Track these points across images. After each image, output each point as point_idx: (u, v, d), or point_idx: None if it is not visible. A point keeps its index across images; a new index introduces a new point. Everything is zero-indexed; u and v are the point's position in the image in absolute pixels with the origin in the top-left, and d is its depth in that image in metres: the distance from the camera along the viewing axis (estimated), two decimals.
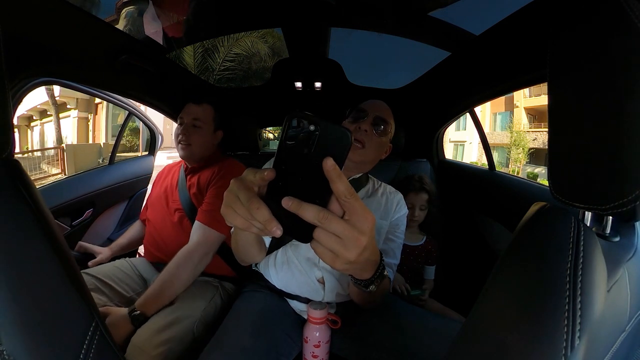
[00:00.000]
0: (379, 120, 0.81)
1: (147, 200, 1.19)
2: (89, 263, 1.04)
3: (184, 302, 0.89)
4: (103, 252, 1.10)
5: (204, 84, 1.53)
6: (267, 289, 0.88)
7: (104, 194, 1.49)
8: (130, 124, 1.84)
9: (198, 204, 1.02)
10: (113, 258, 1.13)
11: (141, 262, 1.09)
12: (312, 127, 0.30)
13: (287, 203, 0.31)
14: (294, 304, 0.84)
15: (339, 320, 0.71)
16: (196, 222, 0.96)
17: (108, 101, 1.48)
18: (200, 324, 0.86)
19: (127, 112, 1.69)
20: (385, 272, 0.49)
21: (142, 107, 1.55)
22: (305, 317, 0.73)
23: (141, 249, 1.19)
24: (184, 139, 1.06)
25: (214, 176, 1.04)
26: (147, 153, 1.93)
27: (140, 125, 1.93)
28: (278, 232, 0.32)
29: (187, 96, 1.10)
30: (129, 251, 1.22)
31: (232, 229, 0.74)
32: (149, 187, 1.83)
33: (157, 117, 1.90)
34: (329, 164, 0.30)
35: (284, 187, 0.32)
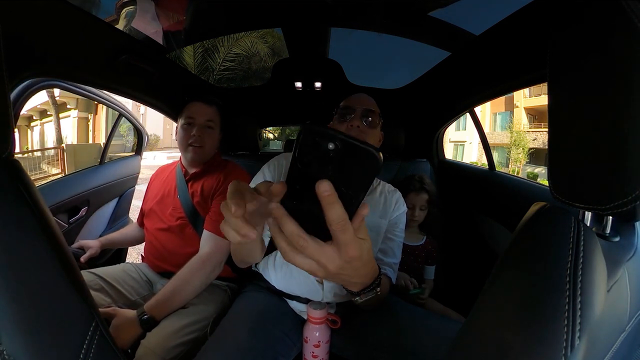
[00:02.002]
0: (366, 113, 0.81)
1: (143, 206, 1.16)
2: (81, 258, 1.02)
3: (197, 306, 0.89)
4: (93, 245, 1.08)
5: (204, 84, 1.53)
6: (267, 289, 0.88)
7: (97, 192, 1.51)
8: (129, 124, 1.86)
9: (202, 212, 1.00)
10: (103, 252, 1.11)
11: (147, 267, 1.08)
12: (330, 146, 0.26)
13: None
14: (294, 304, 0.84)
15: (339, 320, 0.71)
16: (206, 232, 0.95)
17: (99, 102, 1.49)
18: (212, 327, 0.86)
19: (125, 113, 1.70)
20: (378, 290, 0.49)
21: (142, 108, 1.55)
22: (305, 317, 0.73)
23: (141, 249, 1.18)
24: (198, 141, 1.01)
25: (219, 184, 1.01)
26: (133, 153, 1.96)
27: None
28: (251, 235, 0.30)
29: (196, 95, 1.07)
30: (118, 248, 1.20)
31: None
32: (136, 186, 1.86)
33: (157, 117, 1.91)
34: (321, 188, 0.27)
35: (298, 203, 0.29)
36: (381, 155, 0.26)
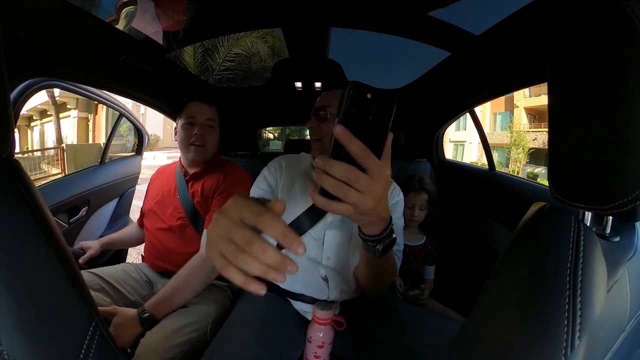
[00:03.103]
0: (316, 112, 0.82)
1: (143, 207, 1.16)
2: (80, 260, 1.02)
3: (197, 306, 0.89)
4: (93, 245, 1.08)
5: (204, 84, 1.53)
6: (271, 289, 0.88)
7: (98, 192, 1.51)
8: (130, 124, 1.87)
9: (203, 212, 1.01)
10: (103, 251, 1.12)
11: (147, 267, 1.08)
12: (369, 96, 0.34)
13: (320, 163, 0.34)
14: (298, 305, 0.83)
15: (344, 322, 0.71)
16: (206, 231, 0.95)
17: (99, 102, 1.49)
18: (213, 327, 0.86)
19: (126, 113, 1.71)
20: (394, 235, 0.51)
21: (142, 108, 1.56)
22: (309, 318, 0.72)
23: (141, 249, 1.18)
24: (199, 140, 1.02)
25: (219, 184, 1.01)
26: (133, 153, 1.97)
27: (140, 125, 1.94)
28: (294, 270, 0.29)
29: (195, 95, 1.07)
30: (119, 248, 1.20)
31: None
32: (137, 186, 1.86)
33: (157, 117, 1.92)
34: (338, 130, 0.33)
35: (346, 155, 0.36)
36: (394, 100, 0.35)
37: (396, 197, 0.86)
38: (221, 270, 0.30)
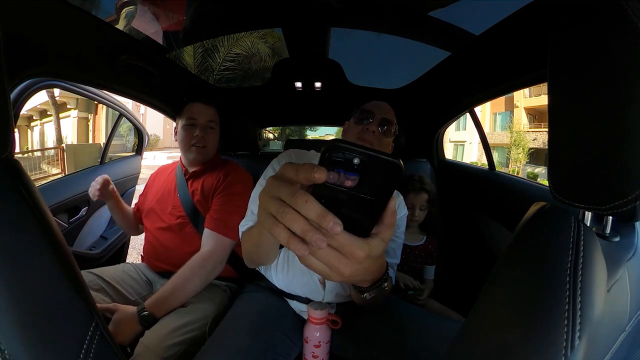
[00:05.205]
0: (385, 122, 0.82)
1: (142, 206, 1.16)
2: (90, 190, 1.00)
3: (196, 305, 0.89)
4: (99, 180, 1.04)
5: (204, 84, 1.53)
6: (268, 289, 0.88)
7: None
8: (130, 124, 1.86)
9: (203, 211, 1.01)
10: (103, 252, 1.13)
11: (147, 267, 1.09)
12: (355, 160, 0.26)
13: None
14: (294, 305, 0.84)
15: (340, 320, 0.71)
16: (207, 230, 0.95)
17: (99, 102, 1.49)
18: (211, 326, 0.86)
19: (126, 113, 1.71)
20: (385, 285, 0.49)
21: (142, 108, 1.56)
22: (306, 317, 0.73)
23: (141, 249, 1.18)
24: (201, 141, 1.03)
25: (219, 182, 1.02)
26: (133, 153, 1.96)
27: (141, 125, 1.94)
28: (337, 227, 0.26)
29: (195, 96, 1.07)
30: (115, 214, 1.16)
31: (242, 233, 0.72)
32: (137, 186, 1.85)
33: (157, 117, 1.92)
34: (391, 206, 0.29)
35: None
36: (402, 163, 0.26)
37: (402, 211, 0.87)
38: (269, 229, 0.29)
